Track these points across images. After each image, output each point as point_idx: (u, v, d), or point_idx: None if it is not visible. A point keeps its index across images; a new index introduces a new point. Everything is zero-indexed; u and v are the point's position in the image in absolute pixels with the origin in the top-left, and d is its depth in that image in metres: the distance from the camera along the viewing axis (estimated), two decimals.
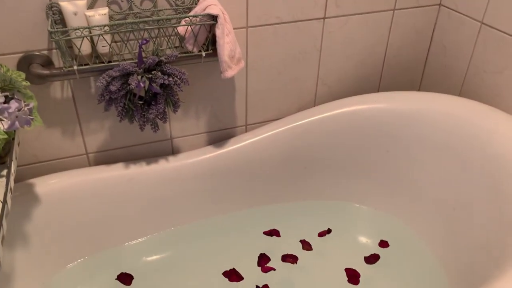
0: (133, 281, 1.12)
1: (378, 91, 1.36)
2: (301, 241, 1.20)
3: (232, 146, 1.22)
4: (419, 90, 1.42)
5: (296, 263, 1.15)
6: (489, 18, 1.14)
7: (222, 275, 1.12)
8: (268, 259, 1.15)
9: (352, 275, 1.12)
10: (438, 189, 1.16)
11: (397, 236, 1.21)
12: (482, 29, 1.16)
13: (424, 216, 1.19)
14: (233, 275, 1.12)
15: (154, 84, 0.99)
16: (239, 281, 1.11)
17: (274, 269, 1.12)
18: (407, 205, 1.23)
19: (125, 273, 1.12)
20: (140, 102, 1.03)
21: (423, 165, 1.18)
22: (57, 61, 1.00)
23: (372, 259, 1.16)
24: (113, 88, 0.97)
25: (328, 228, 1.23)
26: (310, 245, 1.19)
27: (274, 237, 1.21)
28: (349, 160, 1.26)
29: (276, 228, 1.22)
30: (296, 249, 1.18)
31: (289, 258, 1.16)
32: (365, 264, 1.15)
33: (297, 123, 1.24)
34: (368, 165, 1.26)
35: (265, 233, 1.22)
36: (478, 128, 1.08)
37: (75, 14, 0.94)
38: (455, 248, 1.09)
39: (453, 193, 1.12)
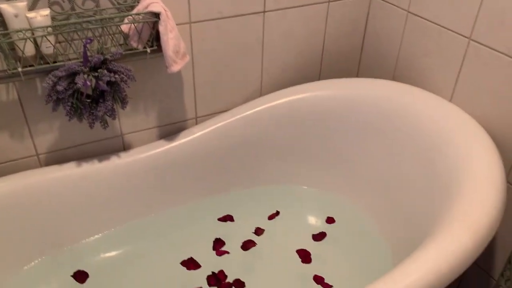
0: (91, 277, 1.13)
1: (319, 79, 1.44)
2: (255, 228, 1.26)
3: (183, 139, 1.26)
4: (357, 76, 1.51)
5: (255, 246, 1.21)
6: (414, 7, 1.24)
7: (180, 265, 1.16)
8: (223, 243, 1.21)
9: (304, 255, 1.19)
10: (377, 167, 1.25)
11: (343, 213, 1.30)
12: (409, 17, 1.26)
13: (366, 193, 1.29)
14: (190, 263, 1.16)
15: (100, 82, 1.01)
16: (196, 269, 1.16)
17: (228, 252, 1.18)
18: (351, 184, 1.32)
19: (81, 270, 1.14)
20: (88, 100, 1.05)
21: (363, 145, 1.27)
22: (0, 64, 1.00)
23: (319, 236, 1.24)
24: (60, 88, 0.98)
25: (277, 211, 1.30)
26: (262, 229, 1.25)
27: (229, 222, 1.27)
28: (295, 146, 1.34)
29: (230, 214, 1.28)
30: (249, 234, 1.24)
31: (249, 244, 1.22)
32: (314, 241, 1.23)
33: (245, 114, 1.29)
34: (313, 149, 1.34)
35: (219, 219, 1.27)
36: (410, 108, 1.17)
37: (16, 16, 0.94)
38: (395, 219, 1.19)
39: (391, 169, 1.21)
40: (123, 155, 1.22)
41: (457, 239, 0.84)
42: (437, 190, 1.05)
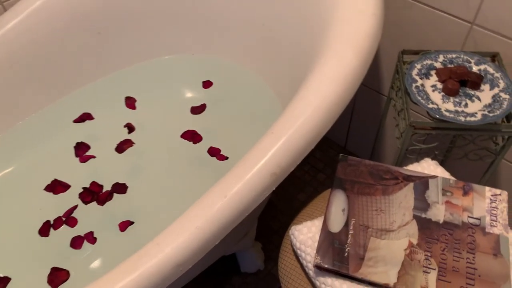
0: None
1: None
2: (125, 124, 1.05)
3: None
4: None
5: (132, 147, 1.01)
6: None
7: (45, 191, 0.95)
8: (87, 147, 1.00)
9: (192, 136, 1.03)
10: (244, 11, 1.06)
11: (221, 74, 1.14)
12: None
13: (238, 44, 1.11)
14: (57, 186, 0.95)
15: None
16: (66, 190, 0.96)
17: (94, 157, 0.98)
18: (222, 40, 1.13)
19: None
20: None
21: None
22: None
23: (199, 109, 1.08)
24: None
25: (129, 96, 1.10)
26: (132, 125, 1.05)
27: (88, 122, 1.04)
28: (151, 11, 1.08)
29: (88, 112, 1.05)
30: (116, 130, 1.04)
31: (125, 145, 1.02)
32: (195, 115, 1.07)
33: None
34: (174, 10, 1.10)
35: (75, 121, 1.04)
36: None
37: None
38: (274, 64, 1.05)
39: (260, 11, 1.03)
40: None
41: (341, 59, 0.72)
42: (313, 17, 0.90)
